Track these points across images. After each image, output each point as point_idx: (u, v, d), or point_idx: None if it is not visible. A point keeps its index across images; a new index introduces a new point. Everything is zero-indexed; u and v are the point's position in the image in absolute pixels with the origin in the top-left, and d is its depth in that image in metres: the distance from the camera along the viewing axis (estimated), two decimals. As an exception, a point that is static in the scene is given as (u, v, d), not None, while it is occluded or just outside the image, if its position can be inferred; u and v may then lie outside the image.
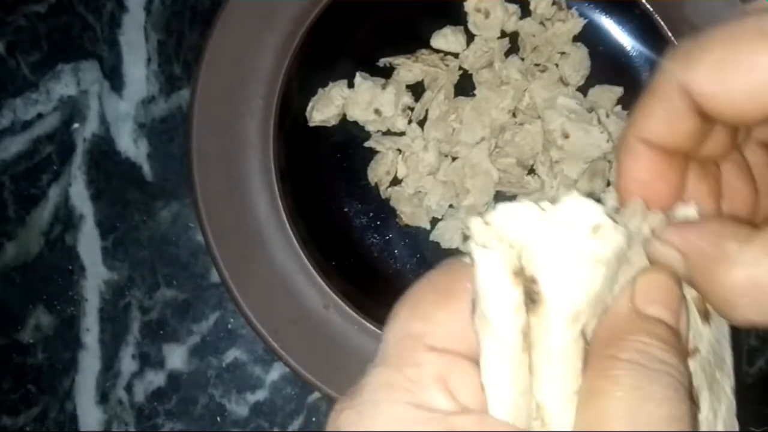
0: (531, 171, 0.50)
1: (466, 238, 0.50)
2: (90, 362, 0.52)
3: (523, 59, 0.50)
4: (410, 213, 0.50)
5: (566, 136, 0.48)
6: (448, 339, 0.22)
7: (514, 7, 0.50)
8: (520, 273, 0.21)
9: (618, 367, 0.21)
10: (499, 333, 0.21)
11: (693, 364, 0.24)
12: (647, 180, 0.27)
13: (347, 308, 0.47)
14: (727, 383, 0.25)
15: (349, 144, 0.51)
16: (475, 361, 0.23)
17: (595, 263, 0.22)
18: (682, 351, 0.23)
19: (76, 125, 0.53)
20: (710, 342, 0.25)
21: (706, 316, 0.25)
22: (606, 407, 0.21)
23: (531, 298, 0.21)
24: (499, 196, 0.50)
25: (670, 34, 0.47)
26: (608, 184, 0.50)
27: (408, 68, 0.50)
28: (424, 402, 0.21)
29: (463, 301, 0.23)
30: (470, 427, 0.21)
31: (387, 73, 0.50)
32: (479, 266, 0.21)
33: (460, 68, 0.51)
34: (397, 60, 0.50)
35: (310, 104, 0.50)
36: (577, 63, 0.50)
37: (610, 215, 0.22)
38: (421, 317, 0.23)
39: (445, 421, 0.21)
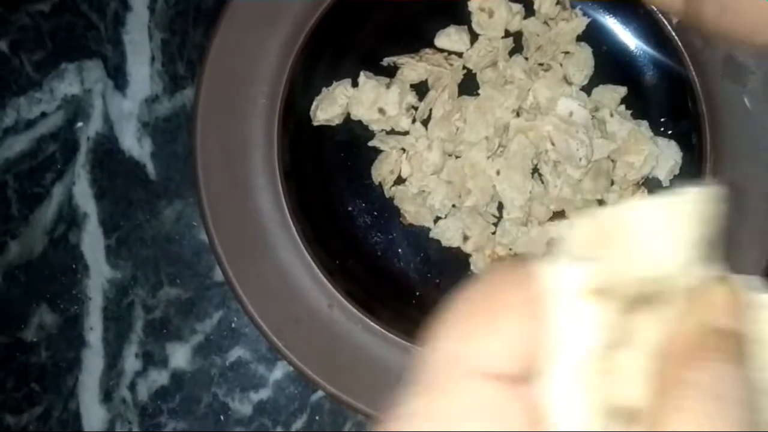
0: (535, 170, 0.50)
1: (466, 238, 0.50)
2: (93, 361, 0.52)
3: (527, 59, 0.50)
4: (414, 212, 0.50)
5: (552, 144, 0.48)
6: (502, 360, 0.20)
7: (518, 7, 0.50)
8: (599, 292, 0.20)
9: (686, 393, 0.19)
10: (572, 359, 0.19)
11: None
12: None
13: (351, 307, 0.47)
14: None
15: (353, 143, 0.51)
16: (524, 382, 0.20)
17: None
18: (745, 357, 0.21)
19: (79, 124, 0.53)
20: None
21: None
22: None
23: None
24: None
25: (674, 34, 0.47)
26: (612, 183, 0.50)
27: (412, 67, 0.50)
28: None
29: (514, 317, 0.20)
30: None
31: (391, 72, 0.50)
32: (551, 292, 0.19)
33: (464, 68, 0.51)
34: (401, 59, 0.50)
35: (314, 103, 0.50)
36: (581, 62, 0.50)
37: None
38: (469, 335, 0.20)
39: None
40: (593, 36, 0.50)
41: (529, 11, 0.50)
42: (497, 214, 0.50)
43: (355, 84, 0.50)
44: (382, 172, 0.50)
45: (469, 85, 0.51)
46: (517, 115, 0.50)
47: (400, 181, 0.50)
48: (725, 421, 0.19)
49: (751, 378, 0.20)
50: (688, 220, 0.20)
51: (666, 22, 0.47)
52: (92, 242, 0.52)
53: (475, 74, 0.51)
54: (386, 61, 0.51)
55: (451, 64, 0.50)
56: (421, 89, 0.50)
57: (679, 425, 0.19)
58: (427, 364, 0.21)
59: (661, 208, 0.20)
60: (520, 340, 0.20)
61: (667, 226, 0.20)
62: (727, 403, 0.19)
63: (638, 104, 0.50)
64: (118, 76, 0.53)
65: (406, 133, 0.50)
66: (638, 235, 0.20)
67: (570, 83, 0.50)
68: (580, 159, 0.48)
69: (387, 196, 0.50)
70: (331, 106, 0.49)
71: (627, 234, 0.20)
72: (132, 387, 0.52)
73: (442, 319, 0.21)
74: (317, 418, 0.52)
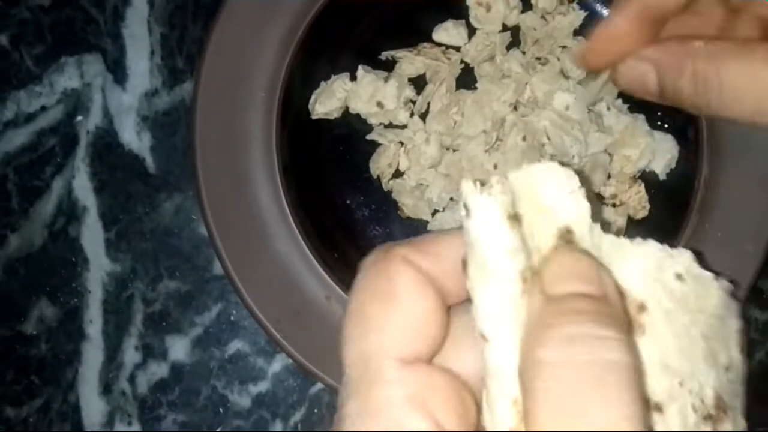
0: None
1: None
2: (93, 354, 0.52)
3: (524, 53, 0.50)
4: (412, 205, 0.50)
5: (548, 138, 0.49)
6: (408, 343, 0.21)
7: (515, 1, 0.50)
8: (514, 217, 0.21)
9: (536, 375, 0.19)
10: (499, 277, 0.20)
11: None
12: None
13: (349, 300, 0.47)
14: (709, 392, 0.23)
15: (352, 137, 0.51)
16: (439, 359, 0.22)
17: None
18: (615, 315, 0.20)
19: (79, 118, 0.53)
20: (657, 356, 0.22)
21: (637, 327, 0.22)
22: None
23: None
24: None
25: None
26: (609, 177, 0.50)
27: (410, 61, 0.50)
28: (400, 425, 0.20)
29: (407, 297, 0.22)
30: None
31: (389, 66, 0.51)
32: (475, 213, 0.21)
33: (462, 61, 0.51)
34: (400, 53, 0.50)
35: (313, 97, 0.50)
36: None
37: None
38: (375, 330, 0.21)
39: None
40: (590, 30, 0.50)
41: (527, 5, 0.51)
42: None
43: (353, 78, 0.50)
44: (380, 165, 0.50)
45: (466, 79, 0.51)
46: (515, 108, 0.50)
47: (398, 174, 0.51)
48: (579, 391, 0.18)
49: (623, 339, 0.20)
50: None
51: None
52: (92, 235, 0.52)
53: (472, 68, 0.51)
54: (384, 55, 0.51)
55: (449, 58, 0.50)
56: (419, 83, 0.51)
57: (542, 410, 0.19)
58: (348, 370, 0.22)
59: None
60: (417, 319, 0.22)
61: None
62: (577, 367, 0.18)
63: (635, 98, 0.51)
64: (117, 70, 0.53)
65: (404, 126, 0.50)
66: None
67: (567, 77, 0.50)
68: (573, 156, 0.48)
69: (385, 190, 0.51)
70: (329, 100, 0.49)
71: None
72: (131, 379, 0.52)
73: (347, 321, 0.22)
74: (316, 410, 0.52)
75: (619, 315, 0.21)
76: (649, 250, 0.23)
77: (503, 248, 0.21)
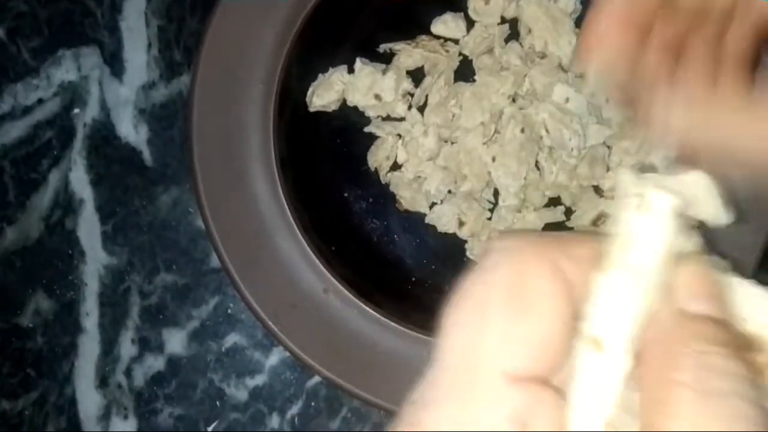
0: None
1: (461, 223, 0.50)
2: (89, 346, 0.52)
3: (522, 45, 0.50)
4: (410, 198, 0.50)
5: (547, 131, 0.48)
6: (529, 362, 0.19)
7: (514, -6, 0.50)
8: (684, 223, 0.20)
9: (673, 398, 0.18)
10: (645, 283, 0.19)
11: None
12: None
13: (347, 293, 0.47)
14: None
15: (350, 129, 0.51)
16: (556, 384, 0.20)
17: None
18: (739, 350, 0.19)
19: (76, 110, 0.53)
20: None
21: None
22: None
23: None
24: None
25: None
26: (608, 169, 0.50)
27: (408, 54, 0.50)
28: None
29: (544, 311, 0.19)
30: None
31: (387, 58, 0.51)
32: (654, 209, 0.19)
33: (461, 54, 0.51)
34: (398, 46, 0.50)
35: (311, 89, 0.50)
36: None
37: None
38: (495, 335, 0.19)
39: None
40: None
41: None
42: (493, 200, 0.50)
43: (351, 70, 0.50)
44: (378, 158, 0.50)
45: (465, 72, 0.51)
46: (513, 101, 0.50)
47: (396, 167, 0.50)
48: (722, 419, 0.18)
49: (746, 365, 0.19)
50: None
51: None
52: (88, 228, 0.52)
53: (471, 61, 0.51)
54: (383, 47, 0.51)
55: (448, 51, 0.50)
56: (417, 76, 0.51)
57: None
58: (447, 363, 0.19)
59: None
60: (545, 336, 0.19)
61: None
62: (720, 399, 0.18)
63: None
64: (114, 63, 0.53)
65: (402, 119, 0.50)
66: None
67: (566, 70, 0.50)
68: (572, 149, 0.48)
69: (383, 182, 0.50)
70: (327, 92, 0.49)
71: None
72: (128, 372, 0.52)
73: (458, 306, 0.20)
74: (313, 403, 0.52)
75: (736, 343, 0.20)
76: None
77: (665, 253, 0.19)
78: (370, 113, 0.50)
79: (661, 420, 0.18)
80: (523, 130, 0.49)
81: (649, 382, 0.19)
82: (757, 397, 0.18)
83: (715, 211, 0.21)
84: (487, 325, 0.19)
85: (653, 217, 0.19)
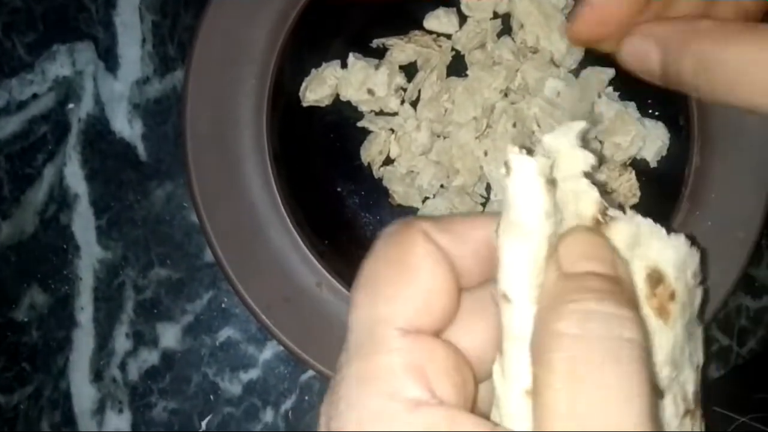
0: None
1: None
2: (84, 341, 0.52)
3: (514, 40, 0.50)
4: (403, 192, 0.50)
5: (538, 125, 0.49)
6: (416, 316, 0.22)
7: (506, -11, 0.50)
8: (551, 182, 0.22)
9: (552, 347, 0.19)
10: (528, 236, 0.21)
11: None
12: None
13: (340, 286, 0.47)
14: (690, 388, 0.24)
15: (342, 124, 0.51)
16: (446, 335, 0.23)
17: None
18: (629, 297, 0.21)
19: (71, 105, 0.53)
20: (670, 345, 0.23)
21: (662, 313, 0.23)
22: (548, 405, 0.19)
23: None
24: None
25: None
26: (600, 164, 0.50)
27: (401, 49, 0.50)
28: (397, 392, 0.20)
29: (421, 269, 0.22)
30: (439, 421, 0.20)
31: (380, 53, 0.51)
32: (515, 171, 0.21)
33: (453, 49, 0.51)
34: (390, 41, 0.50)
35: (304, 84, 0.50)
36: (572, 46, 0.50)
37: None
38: (384, 298, 0.22)
39: (415, 411, 0.20)
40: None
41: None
42: (485, 194, 0.50)
43: (344, 65, 0.50)
44: (371, 152, 0.50)
45: (457, 67, 0.51)
46: (505, 95, 0.50)
47: (388, 161, 0.51)
48: (595, 362, 0.19)
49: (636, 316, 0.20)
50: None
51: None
52: (83, 223, 0.52)
53: (463, 56, 0.51)
54: (375, 42, 0.51)
55: (440, 46, 0.50)
56: (410, 70, 0.51)
57: (554, 379, 0.19)
58: (353, 331, 0.22)
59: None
60: (425, 292, 0.22)
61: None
62: (595, 342, 0.19)
63: (626, 86, 0.51)
64: (109, 58, 0.53)
65: (395, 114, 0.50)
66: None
67: (558, 65, 0.50)
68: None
69: (376, 177, 0.51)
70: (320, 87, 0.49)
71: None
72: (122, 367, 0.52)
73: (357, 285, 0.23)
74: (307, 398, 0.52)
75: (633, 297, 0.21)
76: (680, 243, 0.24)
77: (537, 207, 0.21)
78: (363, 108, 0.50)
79: (542, 373, 0.19)
80: (515, 125, 0.49)
81: (536, 334, 0.20)
82: (632, 337, 0.19)
83: (581, 161, 0.23)
84: (377, 292, 0.22)
85: (517, 178, 0.21)
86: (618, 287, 0.21)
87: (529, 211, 0.21)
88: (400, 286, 0.22)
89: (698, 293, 0.25)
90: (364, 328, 0.22)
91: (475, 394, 0.23)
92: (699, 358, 0.25)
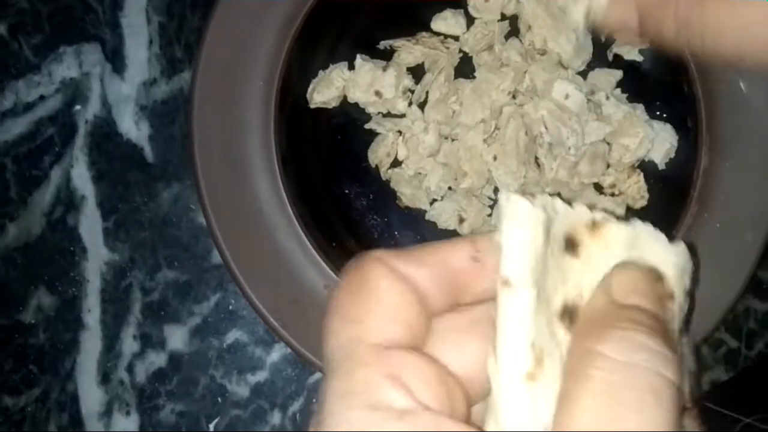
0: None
1: (461, 220, 0.50)
2: (91, 343, 0.52)
3: (522, 42, 0.50)
4: (410, 194, 0.50)
5: (546, 128, 0.48)
6: (387, 330, 0.23)
7: (514, -10, 0.50)
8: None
9: (594, 365, 0.21)
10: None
11: None
12: None
13: (347, 289, 0.47)
14: (686, 388, 0.25)
15: (350, 126, 0.51)
16: (420, 347, 0.23)
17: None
18: (670, 340, 0.22)
19: (77, 107, 0.53)
20: None
21: None
22: (576, 416, 0.20)
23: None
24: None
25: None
26: (608, 166, 0.50)
27: (408, 51, 0.50)
28: (379, 402, 0.21)
29: (381, 289, 0.23)
30: (425, 427, 0.21)
31: (387, 55, 0.51)
32: (511, 213, 0.22)
33: (461, 51, 0.51)
34: (398, 42, 0.50)
35: (311, 86, 0.50)
36: (579, 48, 0.50)
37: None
38: (353, 320, 0.23)
39: (400, 419, 0.21)
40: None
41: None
42: (493, 196, 0.50)
43: (351, 67, 0.50)
44: (378, 154, 0.50)
45: (465, 68, 0.51)
46: (513, 97, 0.50)
47: (396, 163, 0.50)
48: (632, 389, 0.20)
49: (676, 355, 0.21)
50: None
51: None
52: (90, 225, 0.52)
53: (471, 57, 0.51)
54: (383, 44, 0.51)
55: (448, 48, 0.50)
56: (417, 72, 0.51)
57: (588, 394, 0.20)
58: (333, 352, 0.23)
59: None
60: (390, 310, 0.23)
61: None
62: (635, 371, 0.20)
63: (634, 88, 0.51)
64: (115, 60, 0.53)
65: (402, 115, 0.50)
66: None
67: (565, 67, 0.50)
68: (569, 148, 0.48)
69: (383, 179, 0.51)
70: (327, 89, 0.49)
71: None
72: (130, 369, 0.52)
73: (328, 314, 0.24)
74: (314, 400, 0.52)
75: (675, 343, 0.22)
76: (681, 249, 0.25)
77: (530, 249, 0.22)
78: (370, 110, 0.50)
79: (575, 385, 0.20)
80: (526, 133, 0.49)
81: (575, 350, 0.22)
82: (673, 379, 0.20)
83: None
84: (346, 317, 0.23)
85: (514, 221, 0.22)
86: (664, 328, 0.22)
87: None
88: (366, 306, 0.23)
89: (687, 303, 0.26)
90: (340, 350, 0.23)
91: (466, 412, 0.23)
92: (690, 363, 0.26)
